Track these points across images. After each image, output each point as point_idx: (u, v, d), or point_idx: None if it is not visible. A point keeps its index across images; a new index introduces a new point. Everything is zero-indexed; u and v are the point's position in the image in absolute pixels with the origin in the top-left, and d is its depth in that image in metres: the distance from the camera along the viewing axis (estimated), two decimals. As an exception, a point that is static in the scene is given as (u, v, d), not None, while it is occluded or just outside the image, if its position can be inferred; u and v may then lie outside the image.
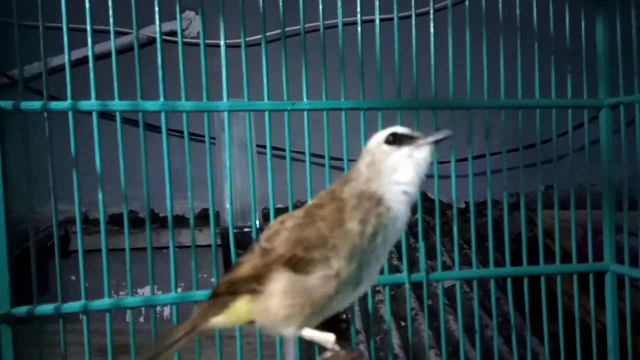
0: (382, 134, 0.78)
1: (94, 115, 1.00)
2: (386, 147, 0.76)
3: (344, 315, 1.27)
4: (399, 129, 0.77)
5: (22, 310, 0.96)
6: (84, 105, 0.99)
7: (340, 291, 0.73)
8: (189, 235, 1.06)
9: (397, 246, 0.86)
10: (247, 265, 0.77)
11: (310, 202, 0.80)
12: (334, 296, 0.73)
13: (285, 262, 0.74)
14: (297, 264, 0.73)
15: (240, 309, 0.77)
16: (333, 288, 0.72)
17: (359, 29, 1.09)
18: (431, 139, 0.76)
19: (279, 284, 0.74)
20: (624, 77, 1.16)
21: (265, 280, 0.75)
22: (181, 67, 1.03)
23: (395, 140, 0.76)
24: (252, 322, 0.79)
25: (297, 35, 1.06)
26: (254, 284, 0.75)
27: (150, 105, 1.02)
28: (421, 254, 1.10)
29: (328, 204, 0.76)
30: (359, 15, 1.09)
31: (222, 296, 0.79)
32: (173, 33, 1.12)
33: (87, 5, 0.99)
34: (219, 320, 0.79)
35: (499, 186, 1.15)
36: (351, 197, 0.75)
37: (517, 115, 1.16)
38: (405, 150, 0.76)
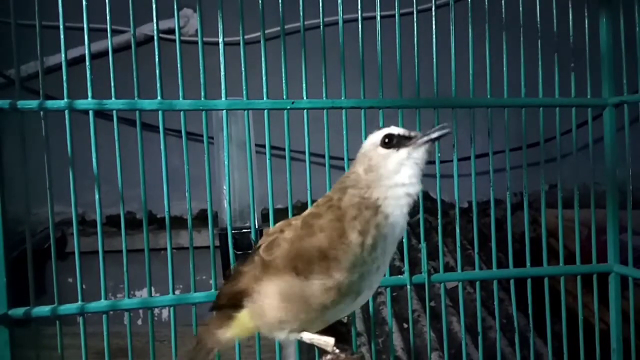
0: (377, 136, 0.76)
1: (91, 114, 0.99)
2: (383, 150, 0.74)
3: (345, 318, 1.26)
4: (394, 130, 0.75)
5: (19, 312, 0.96)
6: (81, 104, 0.99)
7: (338, 301, 0.72)
8: (186, 236, 1.05)
9: (399, 247, 0.84)
10: (248, 276, 0.76)
11: (308, 210, 0.78)
12: (331, 306, 0.72)
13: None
14: (297, 273, 0.72)
15: (244, 320, 0.77)
16: (331, 298, 0.71)
17: (360, 26, 1.08)
18: (428, 137, 0.74)
19: (277, 285, 0.73)
20: (627, 75, 1.16)
21: (264, 284, 0.74)
22: (179, 65, 1.02)
23: (391, 141, 0.74)
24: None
25: (296, 33, 1.04)
26: (255, 295, 0.75)
27: (148, 104, 1.01)
28: (423, 255, 1.09)
29: (326, 213, 0.74)
30: (359, 13, 1.08)
31: (225, 309, 0.78)
32: (170, 31, 1.11)
33: (84, 3, 0.99)
34: (225, 333, 0.78)
35: (502, 186, 1.14)
36: (350, 206, 0.73)
37: (520, 114, 1.15)
38: (403, 152, 0.74)
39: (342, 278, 0.70)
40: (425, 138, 0.74)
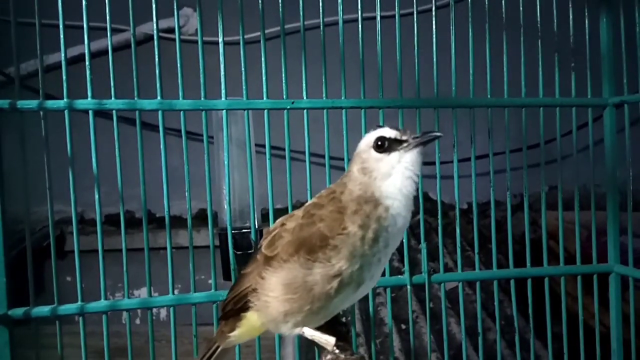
0: (371, 137, 0.77)
1: (91, 114, 0.99)
2: (375, 154, 0.76)
3: (344, 318, 1.26)
4: (386, 132, 0.77)
5: (18, 311, 0.96)
6: (80, 104, 0.98)
7: (340, 290, 0.73)
8: (186, 235, 1.04)
9: (399, 248, 0.84)
10: (252, 275, 0.78)
11: (310, 201, 0.80)
12: (334, 295, 0.73)
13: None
14: (299, 261, 0.73)
15: (252, 319, 0.78)
16: (334, 287, 0.72)
17: (360, 26, 1.07)
18: (419, 140, 0.76)
19: (280, 278, 0.74)
20: (628, 75, 1.15)
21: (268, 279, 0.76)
22: (179, 65, 1.02)
23: (382, 145, 0.76)
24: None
25: (296, 33, 1.04)
26: (260, 290, 0.76)
27: (148, 103, 1.01)
28: (423, 256, 1.08)
29: (328, 204, 0.76)
30: (359, 12, 1.08)
31: (233, 311, 0.80)
32: (170, 30, 1.11)
33: (84, 2, 0.98)
34: (236, 334, 0.81)
35: (502, 187, 1.14)
36: (351, 201, 0.75)
37: (520, 114, 1.15)
38: (394, 156, 0.76)
39: (343, 267, 0.72)
40: (417, 141, 0.76)
